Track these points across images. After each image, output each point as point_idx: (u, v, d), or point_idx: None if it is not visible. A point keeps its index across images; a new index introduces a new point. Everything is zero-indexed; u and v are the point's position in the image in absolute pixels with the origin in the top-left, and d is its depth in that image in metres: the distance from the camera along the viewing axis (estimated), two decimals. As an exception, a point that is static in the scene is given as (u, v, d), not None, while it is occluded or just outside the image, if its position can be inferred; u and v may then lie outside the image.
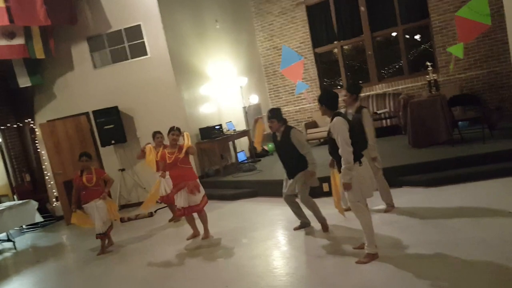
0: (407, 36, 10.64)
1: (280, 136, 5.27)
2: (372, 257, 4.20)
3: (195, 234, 6.21)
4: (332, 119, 4.25)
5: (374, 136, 5.38)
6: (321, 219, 5.34)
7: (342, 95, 5.50)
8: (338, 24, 10.99)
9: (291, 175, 5.28)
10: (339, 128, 4.13)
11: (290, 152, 5.18)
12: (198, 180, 6.10)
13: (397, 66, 10.89)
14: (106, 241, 6.56)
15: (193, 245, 5.96)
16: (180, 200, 5.94)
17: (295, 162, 5.19)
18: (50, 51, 8.96)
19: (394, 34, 10.68)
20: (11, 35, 8.51)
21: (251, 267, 4.76)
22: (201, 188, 6.06)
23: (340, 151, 4.11)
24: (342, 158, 4.11)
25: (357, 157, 4.16)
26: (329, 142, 4.36)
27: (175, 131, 6.00)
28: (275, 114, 5.25)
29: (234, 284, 4.40)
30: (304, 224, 5.56)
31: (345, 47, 11.38)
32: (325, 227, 5.32)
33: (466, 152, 6.72)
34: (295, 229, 5.58)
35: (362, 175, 4.19)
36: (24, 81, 9.32)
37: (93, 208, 6.27)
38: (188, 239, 6.19)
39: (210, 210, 7.24)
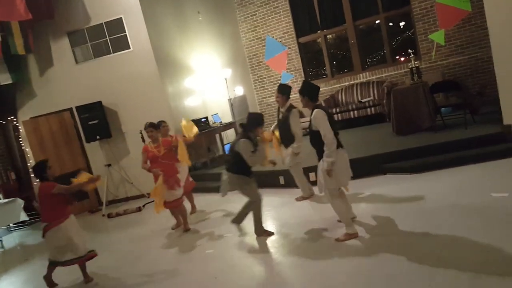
0: (391, 24, 10.70)
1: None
2: (350, 236, 4.49)
3: (179, 224, 6.41)
4: (312, 111, 4.44)
5: (301, 134, 6.00)
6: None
7: (275, 95, 6.14)
8: (321, 13, 11.00)
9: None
10: (321, 119, 4.31)
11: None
12: (178, 175, 6.26)
13: (382, 54, 10.96)
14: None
15: (181, 237, 5.99)
16: (166, 194, 6.07)
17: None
18: (30, 47, 8.82)
19: (377, 22, 10.73)
20: (-10, 31, 8.37)
21: (239, 258, 4.82)
22: (181, 183, 6.29)
23: (325, 140, 4.30)
24: (325, 147, 4.30)
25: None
26: (311, 134, 4.52)
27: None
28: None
29: (223, 275, 4.45)
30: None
31: (329, 36, 11.40)
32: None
33: (449, 137, 6.82)
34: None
35: (337, 164, 4.37)
36: (5, 78, 9.19)
37: (74, 223, 5.09)
38: (173, 228, 6.43)
39: (197, 202, 7.31)
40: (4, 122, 9.78)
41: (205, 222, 6.39)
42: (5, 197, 8.96)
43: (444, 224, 4.39)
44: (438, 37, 8.61)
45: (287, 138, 6.00)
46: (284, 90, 6.02)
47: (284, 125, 6.00)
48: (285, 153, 6.16)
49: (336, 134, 4.43)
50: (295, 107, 6.04)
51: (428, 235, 4.22)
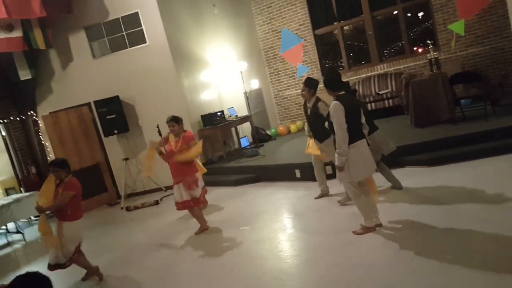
0: (409, 15, 10.52)
1: None
2: (368, 229, 4.48)
3: (204, 228, 5.87)
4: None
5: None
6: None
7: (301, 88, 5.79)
8: (338, 4, 10.85)
9: None
10: (335, 112, 4.26)
11: None
12: (197, 174, 5.85)
13: (399, 45, 10.78)
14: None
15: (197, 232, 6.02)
16: (183, 194, 5.70)
17: None
18: (49, 41, 8.94)
19: (395, 12, 10.54)
20: (9, 27, 8.48)
21: (256, 251, 4.82)
22: (200, 182, 5.89)
23: (336, 135, 4.28)
24: (336, 144, 4.29)
25: (352, 141, 4.28)
26: (329, 124, 4.46)
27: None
28: None
29: (239, 268, 4.46)
30: None
31: (345, 27, 11.26)
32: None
33: (469, 129, 6.70)
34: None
35: (352, 158, 4.31)
36: (25, 74, 9.34)
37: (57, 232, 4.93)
38: (197, 233, 5.85)
39: (214, 196, 7.34)
40: (23, 117, 9.95)
41: (221, 215, 6.40)
42: (26, 191, 9.15)
43: (463, 217, 4.32)
44: (457, 27, 8.40)
45: (320, 133, 5.55)
46: (310, 84, 5.57)
47: (314, 120, 5.61)
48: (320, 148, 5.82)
49: (360, 125, 4.42)
50: (321, 100, 5.61)
51: (447, 229, 4.15)
